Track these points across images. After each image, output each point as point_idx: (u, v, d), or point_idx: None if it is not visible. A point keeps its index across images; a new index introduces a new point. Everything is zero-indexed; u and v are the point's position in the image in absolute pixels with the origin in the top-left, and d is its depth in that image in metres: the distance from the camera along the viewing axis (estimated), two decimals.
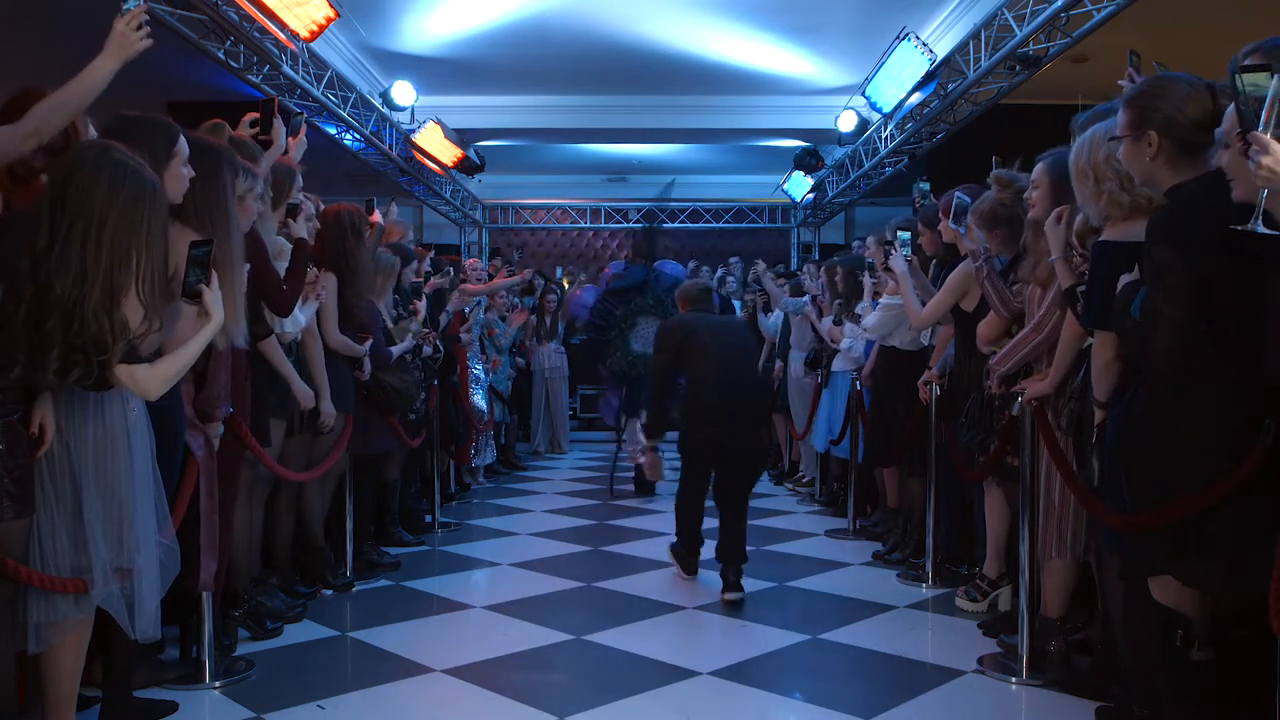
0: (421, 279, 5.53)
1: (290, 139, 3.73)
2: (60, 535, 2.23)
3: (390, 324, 4.76)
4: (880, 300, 4.80)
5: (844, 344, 5.58)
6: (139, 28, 2.34)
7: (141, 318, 2.18)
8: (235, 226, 2.76)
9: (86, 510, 2.24)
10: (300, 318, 3.62)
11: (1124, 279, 2.28)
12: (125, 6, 2.32)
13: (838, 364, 5.77)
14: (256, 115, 3.65)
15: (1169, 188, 2.19)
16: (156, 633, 2.47)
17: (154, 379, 2.25)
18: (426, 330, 5.26)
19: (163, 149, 2.47)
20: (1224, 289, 1.98)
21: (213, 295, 2.30)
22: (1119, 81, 2.92)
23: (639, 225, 12.12)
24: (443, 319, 5.84)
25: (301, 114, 4.33)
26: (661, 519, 5.91)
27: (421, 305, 5.12)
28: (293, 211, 3.60)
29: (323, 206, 4.15)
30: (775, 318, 7.61)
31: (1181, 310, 2.02)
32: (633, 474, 6.94)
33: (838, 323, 5.66)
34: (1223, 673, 2.23)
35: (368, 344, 4.26)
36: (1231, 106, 1.83)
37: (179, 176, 2.52)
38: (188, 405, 2.85)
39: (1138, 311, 2.15)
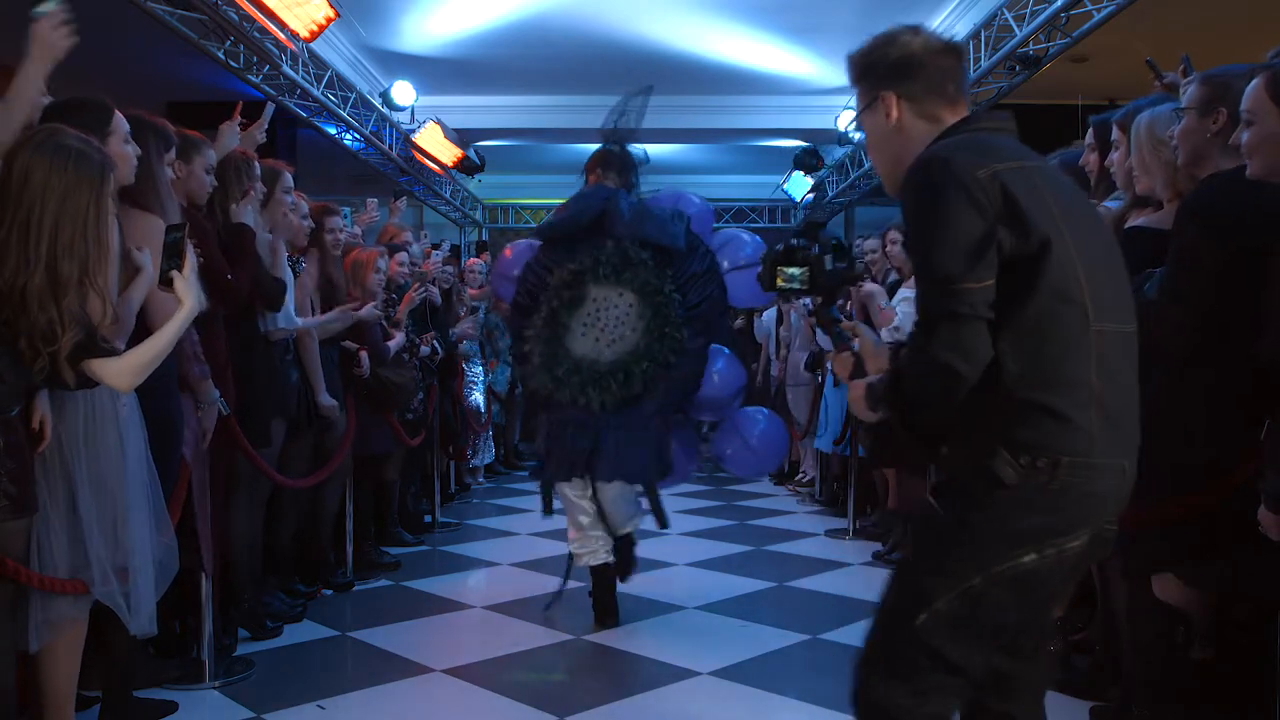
0: (411, 275, 5.37)
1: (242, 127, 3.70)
2: (57, 535, 2.23)
3: (385, 322, 4.76)
4: (900, 294, 4.76)
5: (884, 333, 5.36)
6: (60, 26, 2.26)
7: (102, 307, 2.13)
8: (164, 195, 2.67)
9: (82, 509, 2.24)
10: (295, 316, 3.62)
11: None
12: (39, 10, 2.24)
13: None
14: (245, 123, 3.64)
15: (1208, 174, 2.19)
16: (153, 629, 2.46)
17: (123, 372, 2.16)
18: (429, 333, 5.26)
19: (96, 129, 2.38)
20: (1243, 274, 1.99)
21: (185, 282, 2.21)
22: (1166, 79, 2.89)
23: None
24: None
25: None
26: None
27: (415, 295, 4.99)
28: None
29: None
30: (768, 318, 7.61)
31: (1200, 292, 2.04)
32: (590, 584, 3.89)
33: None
34: (1223, 672, 2.23)
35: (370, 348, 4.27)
36: (1252, 84, 1.98)
37: (121, 155, 2.43)
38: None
39: (1152, 291, 2.15)
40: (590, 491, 3.62)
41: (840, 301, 5.98)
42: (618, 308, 3.61)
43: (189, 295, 2.21)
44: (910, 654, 1.56)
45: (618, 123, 3.83)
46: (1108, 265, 1.58)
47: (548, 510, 3.76)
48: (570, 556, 3.79)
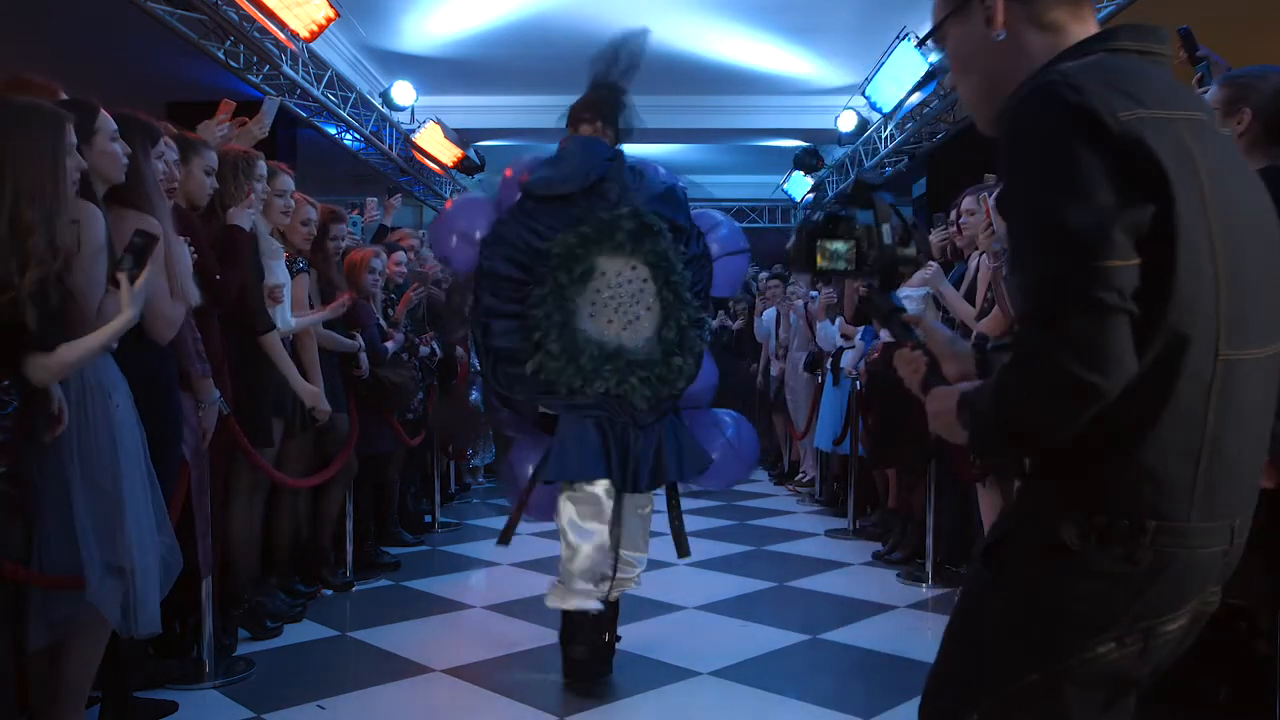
0: (410, 275, 5.36)
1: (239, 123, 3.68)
2: (52, 534, 2.23)
3: (383, 322, 4.76)
4: (903, 292, 4.73)
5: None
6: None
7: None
8: (152, 193, 2.65)
9: (76, 508, 2.24)
10: (290, 317, 3.62)
11: None
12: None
13: (848, 360, 5.62)
14: (227, 118, 3.64)
15: None
16: (157, 628, 2.46)
17: (44, 366, 2.12)
18: (428, 333, 5.26)
19: (80, 127, 2.36)
20: None
21: (130, 291, 2.18)
22: (1200, 51, 2.86)
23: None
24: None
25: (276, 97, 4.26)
26: (661, 519, 5.90)
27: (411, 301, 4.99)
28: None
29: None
30: (768, 318, 7.61)
31: None
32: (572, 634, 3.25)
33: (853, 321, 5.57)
34: (1209, 672, 2.23)
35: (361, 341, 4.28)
36: None
37: (107, 153, 2.44)
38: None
39: None
40: (612, 512, 3.00)
41: (827, 293, 5.93)
42: (631, 283, 3.06)
43: (131, 305, 2.19)
44: None
45: (610, 67, 3.18)
46: (1261, 268, 1.16)
47: (506, 540, 3.11)
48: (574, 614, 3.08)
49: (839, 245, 1.40)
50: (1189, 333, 1.09)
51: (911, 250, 1.42)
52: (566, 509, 2.99)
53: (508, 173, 3.18)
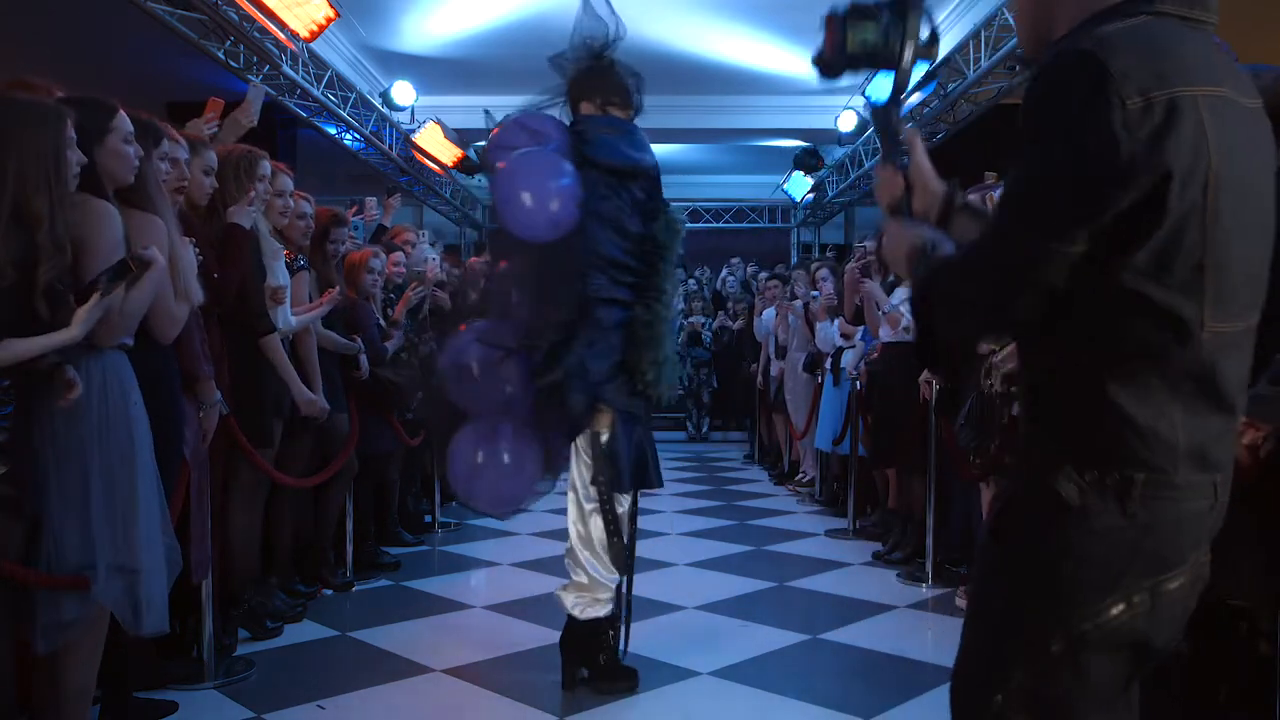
0: (403, 270, 5.22)
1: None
2: (67, 534, 2.23)
3: (382, 322, 4.76)
4: (897, 294, 4.75)
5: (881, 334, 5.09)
6: None
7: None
8: (155, 193, 2.63)
9: (93, 507, 2.25)
10: (291, 316, 3.62)
11: None
12: None
13: (848, 360, 5.61)
14: (215, 116, 3.64)
15: None
16: (164, 627, 2.47)
17: None
18: (428, 333, 5.25)
19: (95, 124, 2.38)
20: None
21: (85, 312, 2.14)
22: None
23: None
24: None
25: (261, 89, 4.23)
26: (662, 519, 5.91)
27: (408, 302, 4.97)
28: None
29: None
30: (768, 318, 7.61)
31: None
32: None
33: (853, 321, 5.57)
34: (1209, 672, 2.23)
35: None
36: None
37: (119, 154, 2.43)
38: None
39: None
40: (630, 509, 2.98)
41: (827, 294, 5.93)
42: (669, 305, 2.96)
43: (79, 323, 2.14)
44: None
45: (591, 38, 2.88)
46: (1248, 248, 1.21)
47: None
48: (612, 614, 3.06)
49: (869, 34, 1.40)
50: (1169, 302, 1.15)
51: (936, 50, 1.44)
52: (596, 524, 2.97)
53: (495, 131, 2.92)
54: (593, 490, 2.92)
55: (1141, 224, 1.13)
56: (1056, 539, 1.19)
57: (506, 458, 2.79)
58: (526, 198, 2.68)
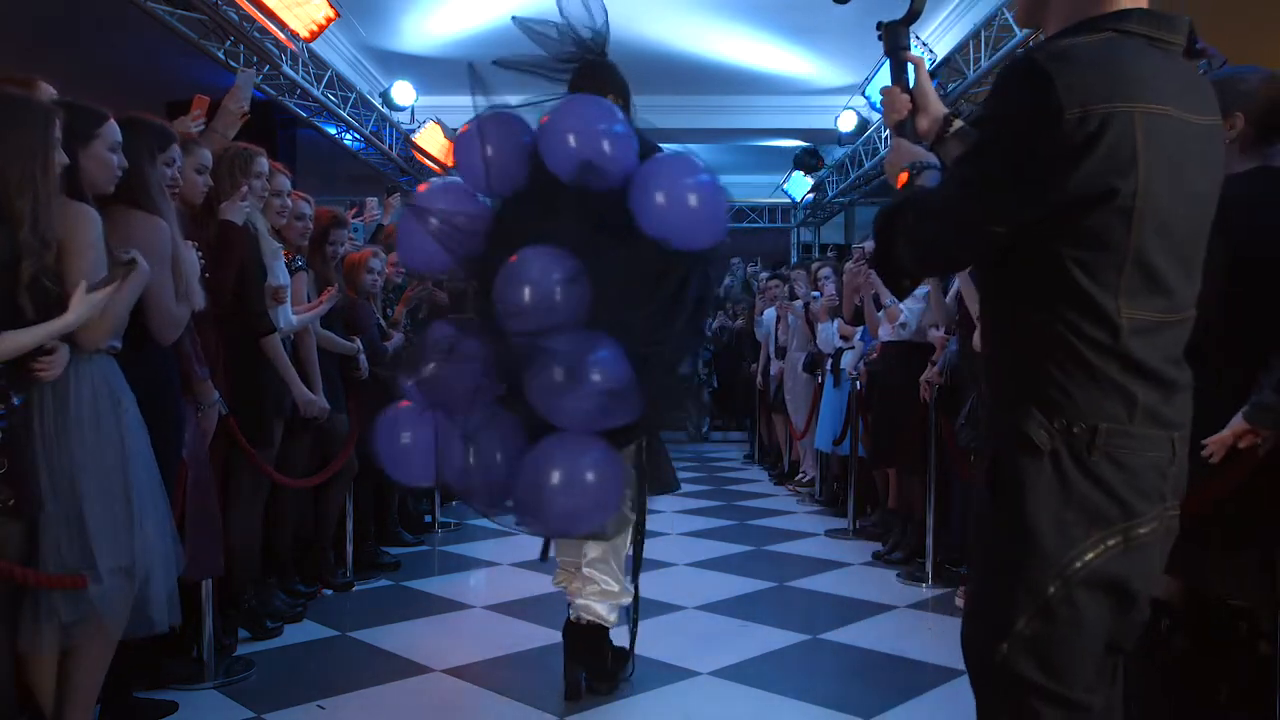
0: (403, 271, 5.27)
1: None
2: (62, 536, 2.23)
3: (382, 322, 4.76)
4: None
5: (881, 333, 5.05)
6: None
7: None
8: (155, 195, 2.63)
9: (86, 509, 2.24)
10: (292, 316, 3.63)
11: None
12: None
13: (848, 360, 5.59)
14: (202, 114, 3.64)
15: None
16: (176, 618, 2.47)
17: None
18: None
19: (84, 130, 2.37)
20: (1249, 278, 2.00)
21: (82, 301, 2.15)
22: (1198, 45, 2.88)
23: None
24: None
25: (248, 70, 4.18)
26: (662, 519, 5.91)
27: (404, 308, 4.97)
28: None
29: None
30: (768, 318, 7.61)
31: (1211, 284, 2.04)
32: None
33: (852, 322, 5.56)
34: (1209, 672, 2.23)
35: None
36: None
37: (102, 161, 2.42)
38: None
39: None
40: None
41: (829, 294, 5.92)
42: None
43: (74, 312, 2.14)
44: (1011, 699, 1.32)
45: (577, 30, 2.85)
46: (1182, 248, 1.31)
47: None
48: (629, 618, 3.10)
49: None
50: (1090, 290, 1.26)
51: None
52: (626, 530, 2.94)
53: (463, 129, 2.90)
54: (629, 495, 2.78)
55: (1070, 223, 1.24)
56: (1038, 489, 1.29)
57: (591, 475, 2.56)
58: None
